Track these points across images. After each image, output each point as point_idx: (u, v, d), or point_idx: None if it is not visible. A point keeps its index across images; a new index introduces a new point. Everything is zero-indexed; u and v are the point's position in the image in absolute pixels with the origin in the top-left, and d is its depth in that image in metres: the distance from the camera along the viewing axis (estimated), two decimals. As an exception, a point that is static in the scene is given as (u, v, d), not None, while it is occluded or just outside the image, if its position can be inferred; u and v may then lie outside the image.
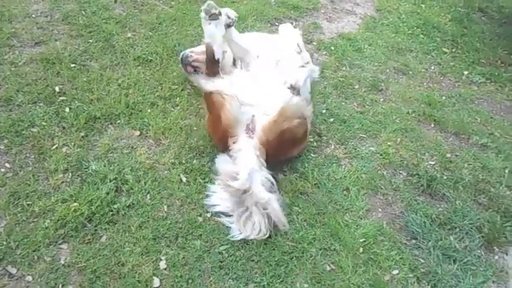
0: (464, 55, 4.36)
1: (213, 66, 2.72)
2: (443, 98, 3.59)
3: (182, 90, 2.97)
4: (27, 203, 2.12)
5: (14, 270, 1.87)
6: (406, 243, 2.31)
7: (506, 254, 2.37)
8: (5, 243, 1.94)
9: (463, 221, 2.46)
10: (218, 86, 2.55)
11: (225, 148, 2.46)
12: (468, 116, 3.40)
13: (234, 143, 2.43)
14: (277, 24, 4.08)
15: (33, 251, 1.95)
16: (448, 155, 2.94)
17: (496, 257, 2.33)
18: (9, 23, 3.10)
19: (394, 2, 5.20)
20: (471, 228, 2.43)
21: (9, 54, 2.87)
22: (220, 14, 2.57)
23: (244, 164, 2.30)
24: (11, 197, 2.12)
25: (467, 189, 2.69)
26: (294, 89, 2.66)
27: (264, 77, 2.70)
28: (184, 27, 3.57)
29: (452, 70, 4.07)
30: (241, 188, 2.21)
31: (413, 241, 2.33)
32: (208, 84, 2.66)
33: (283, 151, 2.48)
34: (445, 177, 2.75)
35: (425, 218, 2.42)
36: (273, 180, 2.33)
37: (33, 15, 3.23)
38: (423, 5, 5.29)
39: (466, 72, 4.08)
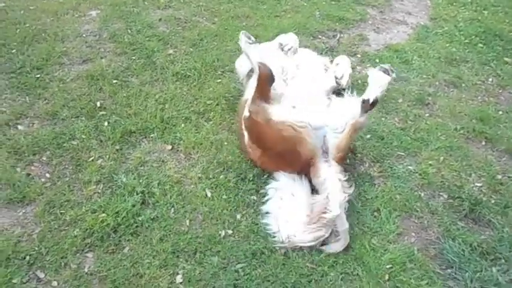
0: (530, 65, 3.98)
1: (267, 88, 2.44)
2: (500, 112, 3.29)
3: (217, 105, 3.01)
4: (61, 211, 2.25)
5: (42, 275, 1.99)
6: (439, 273, 2.12)
7: (560, 292, 2.09)
8: (36, 248, 2.08)
9: (510, 252, 2.21)
10: (282, 112, 2.34)
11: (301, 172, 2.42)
12: (527, 133, 3.08)
13: (314, 173, 2.35)
14: (320, 37, 4.02)
15: (61, 257, 2.06)
16: (499, 177, 2.68)
17: (547, 295, 2.06)
18: (62, 42, 3.37)
19: (452, 10, 4.91)
20: (519, 259, 2.18)
21: (59, 72, 3.11)
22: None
23: (333, 196, 2.21)
24: (47, 205, 2.27)
25: (518, 215, 2.43)
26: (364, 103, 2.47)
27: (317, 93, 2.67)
28: (224, 43, 3.64)
29: (514, 82, 3.72)
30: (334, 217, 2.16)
31: (448, 271, 2.13)
32: (270, 111, 2.34)
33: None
34: (492, 201, 2.50)
35: (464, 246, 2.21)
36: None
37: (84, 35, 3.49)
38: (485, 12, 4.93)
39: (530, 84, 3.71)
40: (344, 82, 2.91)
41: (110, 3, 3.93)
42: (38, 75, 3.06)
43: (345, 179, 2.30)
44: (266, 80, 2.41)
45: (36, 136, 2.62)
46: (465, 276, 2.09)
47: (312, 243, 2.14)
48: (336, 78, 2.93)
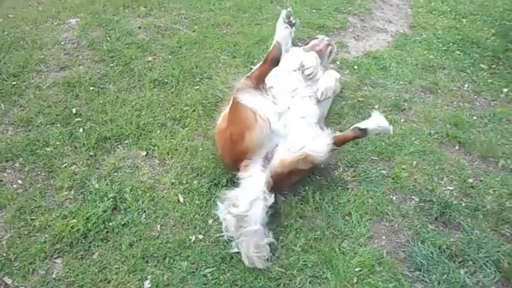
0: (506, 71, 4.06)
1: (268, 68, 2.40)
2: (474, 118, 3.34)
3: (193, 111, 3.03)
4: (31, 218, 2.24)
5: (9, 281, 1.98)
6: (407, 275, 2.14)
7: (527, 293, 2.12)
8: (5, 254, 2.06)
9: (478, 254, 2.24)
10: (257, 101, 2.31)
11: (231, 165, 2.44)
12: (501, 138, 3.14)
13: (245, 166, 2.36)
14: (300, 44, 4.06)
15: (30, 263, 2.05)
16: (470, 180, 2.72)
17: (513, 296, 2.09)
18: (40, 50, 3.37)
19: (431, 18, 5.01)
20: (486, 261, 2.20)
21: (36, 79, 3.11)
22: (294, 25, 3.01)
23: (249, 192, 2.19)
24: (18, 211, 2.26)
25: (488, 218, 2.47)
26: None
27: (303, 112, 2.57)
28: (203, 50, 3.67)
29: (489, 88, 3.79)
30: (240, 214, 2.11)
31: (417, 273, 2.15)
32: (247, 95, 2.32)
33: (286, 183, 2.42)
34: (463, 204, 2.53)
35: (433, 248, 2.24)
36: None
37: (62, 43, 3.50)
38: (464, 20, 5.03)
39: (505, 90, 3.78)
40: (319, 95, 2.77)
41: (89, 11, 3.95)
42: (14, 82, 3.06)
43: (267, 190, 2.21)
44: (272, 59, 2.38)
45: (10, 143, 2.61)
46: (432, 279, 2.11)
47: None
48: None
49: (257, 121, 2.23)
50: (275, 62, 2.39)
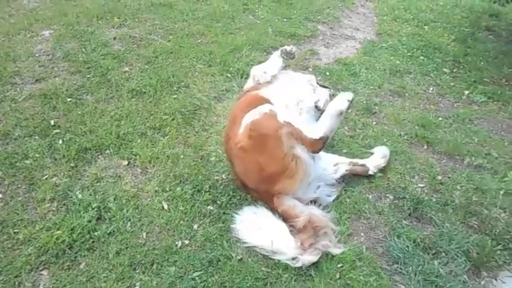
0: (466, 75, 4.32)
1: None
2: (440, 119, 3.54)
3: (173, 119, 3.07)
4: (14, 231, 2.23)
5: (-6, 296, 1.97)
6: (386, 269, 2.26)
7: (495, 279, 2.28)
8: (-12, 269, 2.05)
9: (450, 245, 2.38)
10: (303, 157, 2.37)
11: (243, 187, 2.52)
12: (465, 137, 3.34)
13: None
14: (272, 52, 4.17)
15: (15, 276, 2.04)
16: (439, 177, 2.88)
17: (483, 282, 2.24)
18: (14, 62, 3.34)
19: (396, 25, 5.25)
20: (457, 252, 2.35)
21: (11, 91, 3.08)
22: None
23: None
24: (0, 225, 2.24)
25: (457, 211, 2.63)
26: None
27: None
28: (179, 60, 3.73)
29: (452, 90, 4.02)
30: None
31: (395, 266, 2.27)
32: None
33: None
34: (433, 200, 2.69)
35: (408, 242, 2.37)
36: None
37: (37, 55, 3.48)
38: (426, 27, 5.31)
39: (466, 92, 4.03)
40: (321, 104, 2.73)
41: (63, 23, 3.94)
42: (-12, 96, 3.03)
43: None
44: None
45: (-13, 156, 2.58)
46: (409, 270, 2.23)
47: None
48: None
49: (298, 174, 2.33)
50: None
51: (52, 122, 2.87)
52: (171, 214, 2.41)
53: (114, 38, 3.84)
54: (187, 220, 2.39)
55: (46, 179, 2.52)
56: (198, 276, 2.11)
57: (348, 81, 3.88)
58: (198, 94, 3.34)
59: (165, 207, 2.45)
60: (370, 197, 2.68)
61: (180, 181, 2.62)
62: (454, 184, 2.83)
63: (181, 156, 2.78)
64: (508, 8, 5.89)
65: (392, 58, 4.42)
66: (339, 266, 2.21)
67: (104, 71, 3.39)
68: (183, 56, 3.79)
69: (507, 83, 4.28)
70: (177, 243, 2.27)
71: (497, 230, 2.49)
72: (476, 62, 4.55)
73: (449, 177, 2.90)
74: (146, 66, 3.56)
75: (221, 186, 2.60)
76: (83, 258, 2.15)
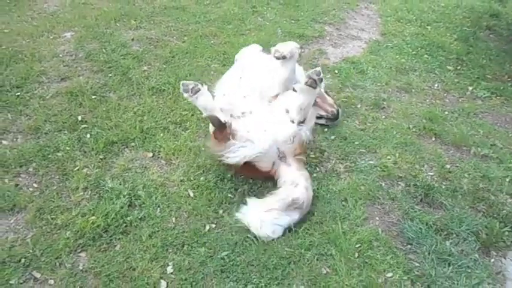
0: (469, 72, 4.47)
1: (223, 132, 2.51)
2: (446, 113, 3.70)
3: (192, 115, 3.22)
4: (51, 217, 2.37)
5: (38, 275, 2.10)
6: (401, 248, 2.40)
7: (504, 258, 2.42)
8: (31, 251, 2.19)
9: (460, 227, 2.53)
10: (240, 157, 2.48)
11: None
12: (470, 129, 3.50)
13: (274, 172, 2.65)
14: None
15: (56, 258, 2.18)
16: (448, 166, 3.03)
17: (493, 260, 2.38)
18: (39, 62, 3.50)
19: (399, 26, 5.41)
20: (468, 233, 2.50)
21: (39, 90, 3.24)
22: (197, 86, 2.50)
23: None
24: (37, 212, 2.39)
25: (465, 197, 2.77)
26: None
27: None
28: (195, 59, 3.89)
29: (456, 86, 4.18)
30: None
31: (409, 246, 2.42)
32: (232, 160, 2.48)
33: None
34: (443, 187, 2.84)
35: (421, 225, 2.52)
36: None
37: (60, 55, 3.64)
38: (429, 27, 5.47)
39: (470, 88, 4.18)
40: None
41: (83, 25, 4.11)
42: (18, 93, 3.18)
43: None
44: (218, 125, 2.49)
45: (21, 149, 2.73)
46: (423, 250, 2.38)
47: None
48: None
49: (256, 161, 2.53)
50: (222, 127, 2.49)
51: (79, 118, 3.02)
52: (197, 201, 2.55)
53: (132, 39, 4.01)
54: (213, 206, 2.54)
55: (78, 169, 2.67)
56: (226, 255, 2.25)
57: (356, 78, 4.03)
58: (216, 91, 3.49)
59: (191, 194, 2.60)
60: (383, 184, 2.82)
61: (203, 171, 2.77)
62: (462, 172, 2.98)
63: (203, 149, 2.93)
64: (508, 8, 6.08)
65: (397, 57, 4.58)
66: (357, 246, 2.36)
67: (125, 70, 3.55)
68: (198, 56, 3.95)
69: (509, 79, 4.44)
70: (205, 226, 2.41)
71: (504, 214, 2.64)
72: (479, 60, 4.71)
73: (457, 166, 3.05)
74: (164, 66, 3.72)
75: (242, 176, 2.74)
76: (118, 241, 2.29)
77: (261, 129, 2.59)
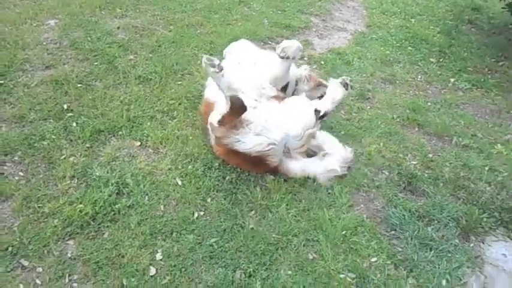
0: (452, 64, 4.58)
1: (237, 117, 2.45)
2: (428, 104, 3.79)
3: (179, 104, 3.22)
4: (38, 205, 2.36)
5: (26, 263, 2.10)
6: (385, 234, 2.48)
7: (483, 243, 2.52)
8: (18, 239, 2.17)
9: (441, 214, 2.62)
10: (253, 144, 2.49)
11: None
12: (452, 120, 3.59)
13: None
14: (269, 42, 4.37)
15: (44, 246, 2.17)
16: (430, 155, 3.12)
17: (472, 245, 2.48)
18: (23, 50, 3.44)
19: (384, 18, 5.49)
20: (449, 220, 2.59)
21: (23, 78, 3.18)
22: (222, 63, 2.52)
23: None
24: (24, 200, 2.37)
25: (447, 185, 2.86)
26: None
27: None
28: (182, 49, 3.87)
29: (439, 78, 4.28)
30: None
31: (392, 232, 2.50)
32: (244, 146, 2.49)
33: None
34: (425, 175, 2.92)
35: (404, 212, 2.59)
36: None
37: (44, 43, 3.58)
38: (412, 20, 5.56)
39: (452, 80, 4.29)
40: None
41: (67, 12, 4.04)
42: (2, 82, 3.12)
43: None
44: (239, 108, 2.41)
45: (6, 138, 2.70)
46: (406, 235, 2.46)
47: None
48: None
49: (267, 154, 2.54)
50: (241, 111, 2.43)
51: (65, 106, 2.99)
52: (186, 189, 2.57)
53: (118, 28, 3.96)
54: (201, 194, 2.56)
55: (64, 158, 2.65)
56: (215, 242, 2.29)
57: (342, 69, 4.08)
58: (202, 81, 3.48)
59: (179, 183, 2.61)
60: (368, 172, 2.89)
61: (191, 159, 2.78)
62: (443, 161, 3.07)
63: (190, 137, 2.94)
64: (489, 3, 6.22)
65: (382, 48, 4.65)
66: (343, 232, 2.42)
67: (111, 59, 3.51)
68: (184, 45, 3.93)
69: (489, 72, 4.57)
70: (193, 214, 2.43)
71: (483, 201, 2.74)
72: (461, 53, 4.83)
73: (439, 156, 3.14)
74: (150, 55, 3.70)
75: (229, 165, 2.76)
76: (106, 228, 2.30)
77: (277, 121, 2.63)
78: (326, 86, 3.13)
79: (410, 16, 5.67)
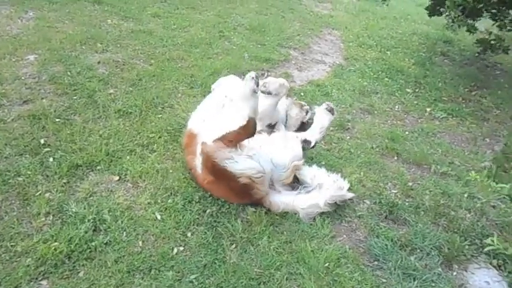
0: (427, 94, 4.72)
1: (245, 139, 2.62)
2: (406, 133, 3.87)
3: (159, 137, 3.21)
4: (11, 244, 2.26)
5: (-5, 306, 2.00)
6: (368, 265, 2.45)
7: (466, 271, 2.51)
8: (-13, 281, 2.07)
9: (424, 242, 2.61)
10: (244, 166, 2.53)
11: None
12: (430, 148, 3.66)
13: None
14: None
15: (15, 287, 2.07)
16: (410, 184, 3.15)
17: (455, 273, 2.47)
18: (0, 84, 3.40)
19: (361, 51, 5.67)
20: (431, 248, 2.59)
21: (-1, 113, 3.14)
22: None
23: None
24: (-4, 239, 2.28)
25: (428, 213, 2.88)
26: None
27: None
28: (162, 82, 3.90)
29: (416, 108, 4.39)
30: None
31: (376, 263, 2.47)
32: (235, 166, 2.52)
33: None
34: (406, 204, 2.94)
35: (387, 241, 2.58)
36: None
37: (23, 78, 3.55)
38: (388, 52, 5.76)
39: (428, 109, 4.41)
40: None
41: (47, 48, 4.04)
42: (-23, 117, 3.06)
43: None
44: (248, 133, 2.58)
45: (-21, 174, 2.62)
46: (389, 266, 2.44)
47: None
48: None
49: (256, 182, 2.56)
50: (251, 134, 2.61)
51: (42, 141, 2.94)
52: (165, 224, 2.52)
53: (98, 62, 3.97)
54: (181, 229, 2.50)
55: (40, 194, 2.57)
56: (195, 278, 2.22)
57: (321, 100, 4.14)
58: (182, 114, 3.50)
59: (159, 217, 2.56)
60: (349, 202, 2.88)
61: (171, 193, 2.74)
62: (423, 189, 3.10)
63: (170, 171, 2.91)
64: (460, 35, 6.49)
65: (360, 80, 4.77)
66: (326, 264, 2.38)
67: (90, 93, 3.50)
68: (165, 79, 3.96)
69: (464, 101, 4.72)
70: (172, 249, 2.37)
71: (464, 228, 2.76)
72: (435, 83, 4.99)
73: (418, 184, 3.17)
74: (131, 89, 3.70)
75: (210, 198, 2.73)
76: (82, 267, 2.21)
77: (267, 151, 2.70)
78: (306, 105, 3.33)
79: (386, 49, 5.87)
